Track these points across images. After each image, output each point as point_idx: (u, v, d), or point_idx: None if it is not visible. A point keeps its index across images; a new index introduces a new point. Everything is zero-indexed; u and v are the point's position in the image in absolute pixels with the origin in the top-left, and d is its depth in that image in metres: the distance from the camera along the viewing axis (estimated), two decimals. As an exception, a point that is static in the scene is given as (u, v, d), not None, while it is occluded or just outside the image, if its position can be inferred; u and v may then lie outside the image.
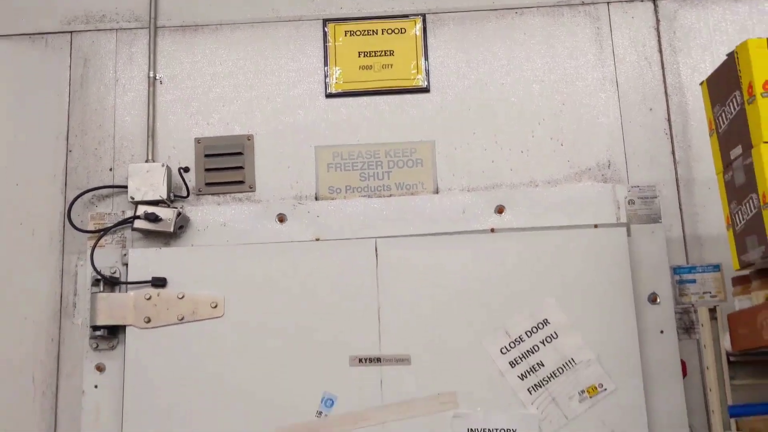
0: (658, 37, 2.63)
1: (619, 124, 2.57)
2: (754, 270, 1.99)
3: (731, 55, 1.92)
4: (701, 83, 2.11)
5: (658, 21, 2.64)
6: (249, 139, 2.58)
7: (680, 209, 2.51)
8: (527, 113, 2.59)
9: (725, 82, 1.97)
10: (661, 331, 2.40)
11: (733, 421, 2.15)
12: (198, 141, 2.58)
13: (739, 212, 1.93)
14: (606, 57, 2.62)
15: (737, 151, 1.92)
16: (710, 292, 2.45)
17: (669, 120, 2.56)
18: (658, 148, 2.55)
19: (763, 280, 1.96)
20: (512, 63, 2.63)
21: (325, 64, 2.63)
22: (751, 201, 1.87)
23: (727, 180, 2.00)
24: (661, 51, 2.62)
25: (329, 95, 2.61)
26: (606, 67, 2.61)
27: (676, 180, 2.53)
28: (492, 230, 2.48)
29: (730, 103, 1.94)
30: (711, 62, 2.56)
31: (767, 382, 2.19)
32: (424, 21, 2.65)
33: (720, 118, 2.02)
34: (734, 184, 1.95)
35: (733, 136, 1.95)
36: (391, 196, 2.54)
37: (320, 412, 2.34)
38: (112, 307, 2.39)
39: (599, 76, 2.61)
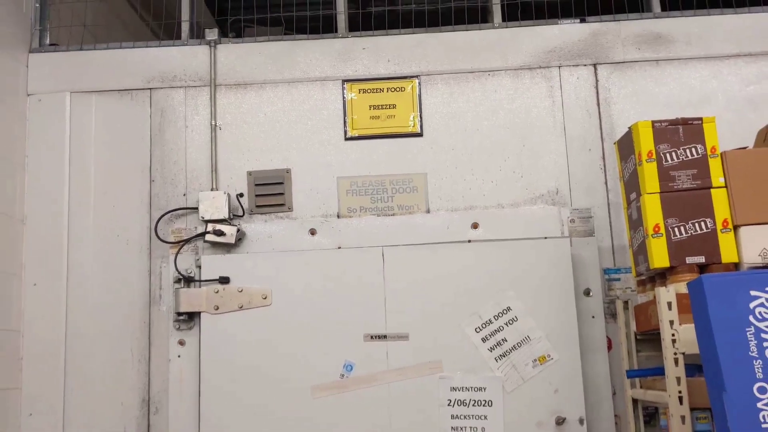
0: (597, 93, 3.45)
1: (565, 161, 3.40)
2: (646, 277, 2.85)
3: (629, 130, 2.76)
4: (614, 143, 2.95)
5: (597, 81, 3.46)
6: (287, 172, 3.43)
7: (610, 225, 3.35)
8: (496, 152, 3.42)
9: (627, 146, 2.81)
10: (593, 317, 3.25)
11: (638, 380, 3.03)
12: (249, 173, 3.43)
13: (635, 237, 2.79)
14: (556, 109, 3.45)
15: (633, 195, 2.78)
16: (631, 288, 3.30)
17: (603, 158, 3.39)
18: (594, 179, 3.38)
19: (651, 285, 2.82)
20: (485, 113, 3.45)
21: (344, 114, 3.47)
22: (640, 231, 2.72)
23: (629, 214, 2.86)
24: (599, 104, 3.45)
25: (347, 138, 3.45)
26: (556, 117, 3.44)
27: (608, 204, 3.36)
28: (469, 241, 3.33)
29: (630, 162, 2.79)
30: (635, 114, 3.37)
31: (660, 354, 3.05)
32: (419, 81, 3.48)
33: (625, 170, 2.87)
34: (632, 217, 2.81)
35: (631, 184, 2.80)
36: (394, 215, 3.39)
37: (342, 375, 3.20)
38: (190, 298, 3.25)
39: (551, 123, 3.43)
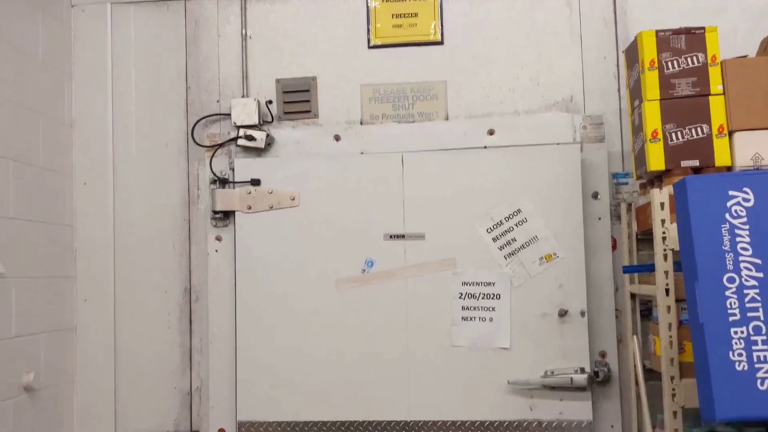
0: (614, 2, 3.52)
1: (580, 69, 3.51)
2: (646, 180, 3.02)
3: (635, 39, 2.87)
4: (623, 51, 3.06)
5: (615, -11, 3.53)
6: (314, 80, 3.62)
7: (621, 132, 3.48)
8: (513, 60, 3.55)
9: (633, 55, 2.93)
10: (599, 218, 3.43)
11: (636, 277, 3.24)
12: (278, 81, 3.63)
13: (636, 142, 2.95)
14: (574, 18, 3.53)
15: (637, 102, 2.91)
16: (637, 191, 3.47)
17: (617, 66, 3.50)
18: (607, 87, 3.49)
19: (651, 187, 2.99)
20: (504, 22, 3.56)
21: (368, 23, 3.62)
22: (640, 136, 2.87)
23: (632, 120, 3.00)
24: (615, 13, 3.52)
25: (371, 47, 3.61)
26: (573, 26, 3.53)
27: (620, 111, 3.48)
28: (485, 147, 3.51)
29: (635, 70, 2.91)
30: (651, 23, 3.43)
31: (659, 253, 3.25)
32: (440, -9, 3.60)
33: (631, 78, 2.99)
34: (635, 123, 2.95)
35: (635, 91, 2.93)
36: (414, 122, 3.57)
37: (364, 270, 3.47)
38: (225, 198, 3.53)
39: (568, 32, 3.53)
